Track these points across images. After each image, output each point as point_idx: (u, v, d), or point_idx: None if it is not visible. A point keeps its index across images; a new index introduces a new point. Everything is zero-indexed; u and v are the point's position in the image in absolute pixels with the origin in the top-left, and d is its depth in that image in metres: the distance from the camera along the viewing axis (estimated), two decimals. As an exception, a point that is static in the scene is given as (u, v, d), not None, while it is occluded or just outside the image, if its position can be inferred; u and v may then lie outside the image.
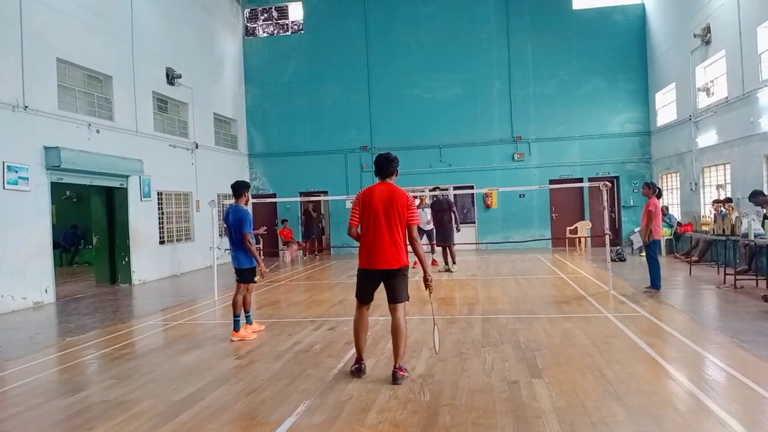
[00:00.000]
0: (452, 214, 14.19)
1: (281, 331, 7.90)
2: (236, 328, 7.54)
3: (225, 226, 7.84)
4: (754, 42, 12.44)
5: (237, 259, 7.69)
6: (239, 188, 7.71)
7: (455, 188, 19.28)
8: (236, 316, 7.57)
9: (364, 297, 5.58)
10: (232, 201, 7.84)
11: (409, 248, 5.51)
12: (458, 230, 14.40)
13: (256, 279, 7.75)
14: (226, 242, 15.82)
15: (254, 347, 7.06)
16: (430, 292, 5.66)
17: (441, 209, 14.24)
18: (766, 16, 12.02)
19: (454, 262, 14.22)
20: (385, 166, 5.58)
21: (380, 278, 5.49)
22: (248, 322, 7.95)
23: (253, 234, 7.81)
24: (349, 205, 20.01)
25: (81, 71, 13.42)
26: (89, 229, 16.74)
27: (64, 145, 12.05)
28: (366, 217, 5.46)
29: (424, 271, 5.50)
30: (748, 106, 12.82)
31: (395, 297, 5.44)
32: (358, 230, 5.58)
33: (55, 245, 13.86)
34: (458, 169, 20.70)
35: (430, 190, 16.00)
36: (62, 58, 12.58)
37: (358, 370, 5.61)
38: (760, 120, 12.28)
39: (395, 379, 5.36)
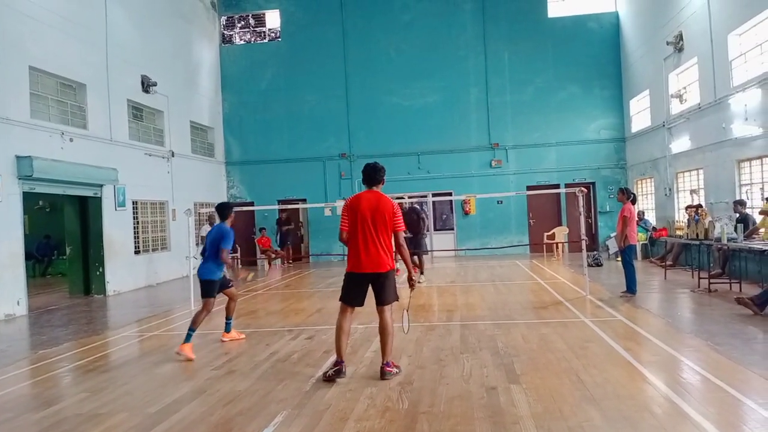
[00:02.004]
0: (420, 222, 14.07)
1: (259, 341, 7.83)
2: (187, 340, 7.08)
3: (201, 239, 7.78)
4: (725, 49, 12.68)
5: (202, 270, 7.50)
6: (224, 209, 7.67)
7: (434, 195, 19.37)
8: (191, 330, 7.16)
9: (349, 300, 5.74)
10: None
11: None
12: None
13: (249, 278, 7.64)
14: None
15: (231, 357, 6.98)
16: (412, 291, 6.00)
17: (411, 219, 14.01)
18: (736, 24, 12.27)
19: (422, 272, 13.84)
20: (372, 174, 5.83)
21: (368, 282, 5.70)
22: (227, 330, 7.91)
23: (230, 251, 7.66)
24: (327, 212, 19.98)
25: (54, 79, 13.23)
26: (63, 239, 16.45)
27: (37, 155, 11.83)
28: (354, 223, 5.69)
29: (409, 273, 5.82)
30: (719, 112, 13.05)
31: (384, 299, 5.71)
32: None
33: (28, 256, 13.61)
34: (436, 176, 20.77)
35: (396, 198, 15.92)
36: (35, 66, 12.38)
37: (338, 372, 5.65)
38: (732, 126, 12.51)
39: (383, 375, 5.65)
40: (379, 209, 5.64)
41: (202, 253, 7.73)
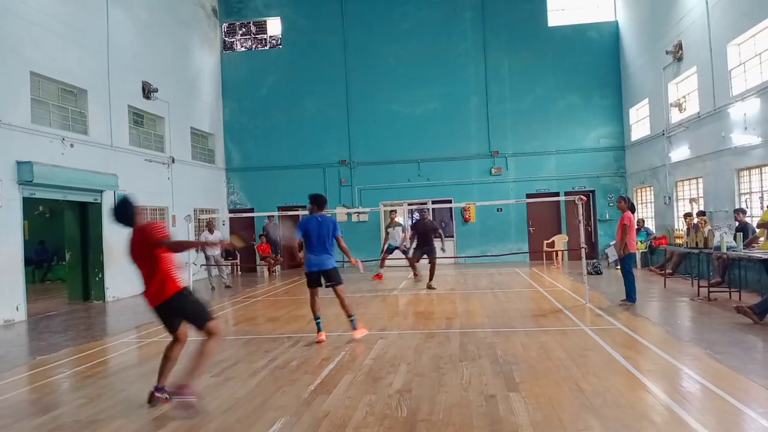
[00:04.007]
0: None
1: (257, 348, 7.82)
2: (354, 327, 8.02)
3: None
4: (724, 59, 12.72)
5: (327, 261, 7.84)
6: (322, 201, 8.01)
7: (433, 202, 19.38)
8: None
9: (166, 330, 5.60)
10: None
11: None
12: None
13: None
14: (201, 258, 15.69)
15: (229, 364, 6.96)
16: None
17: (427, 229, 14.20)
18: (735, 34, 12.31)
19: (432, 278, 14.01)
20: (124, 212, 5.74)
21: (162, 313, 5.55)
22: (353, 327, 8.08)
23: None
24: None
25: (55, 85, 13.25)
26: (61, 244, 16.42)
27: (37, 160, 11.83)
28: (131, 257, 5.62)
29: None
30: (719, 121, 13.08)
31: (195, 323, 5.36)
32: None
33: (27, 261, 13.59)
34: (436, 184, 20.77)
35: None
36: (36, 71, 12.40)
37: (151, 398, 5.36)
38: (731, 135, 12.53)
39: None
40: (139, 241, 5.50)
41: (310, 247, 7.82)
